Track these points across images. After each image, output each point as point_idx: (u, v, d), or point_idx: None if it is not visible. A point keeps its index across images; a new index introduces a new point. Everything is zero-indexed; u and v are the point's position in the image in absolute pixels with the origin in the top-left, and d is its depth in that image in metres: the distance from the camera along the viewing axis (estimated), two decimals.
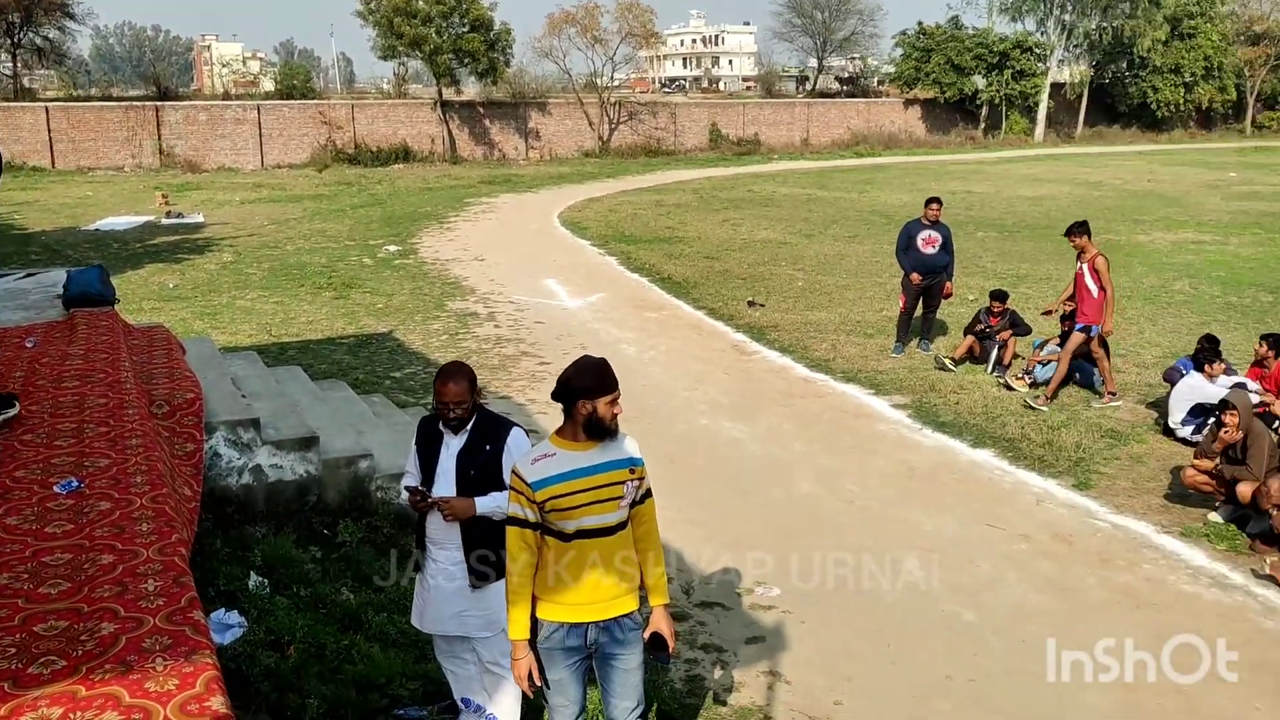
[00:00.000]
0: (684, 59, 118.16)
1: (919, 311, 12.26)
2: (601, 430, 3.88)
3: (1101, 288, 9.94)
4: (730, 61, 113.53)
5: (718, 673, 5.57)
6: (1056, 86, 56.59)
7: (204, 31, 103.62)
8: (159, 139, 37.79)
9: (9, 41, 42.86)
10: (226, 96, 47.34)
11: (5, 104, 38.29)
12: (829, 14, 67.95)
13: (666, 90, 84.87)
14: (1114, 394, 10.22)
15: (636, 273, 17.58)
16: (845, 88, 67.74)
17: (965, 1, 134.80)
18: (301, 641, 5.25)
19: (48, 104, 38.67)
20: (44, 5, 42.58)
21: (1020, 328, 11.49)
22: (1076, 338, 10.08)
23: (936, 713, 5.25)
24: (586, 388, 3.84)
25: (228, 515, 6.65)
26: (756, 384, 11.10)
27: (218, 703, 3.05)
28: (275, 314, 14.13)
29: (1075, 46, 57.50)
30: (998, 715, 5.23)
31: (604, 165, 41.38)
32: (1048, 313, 11.31)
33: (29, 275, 10.41)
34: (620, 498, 3.94)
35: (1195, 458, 7.71)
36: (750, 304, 14.68)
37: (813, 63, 71.18)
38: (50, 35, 45.12)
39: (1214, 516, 7.51)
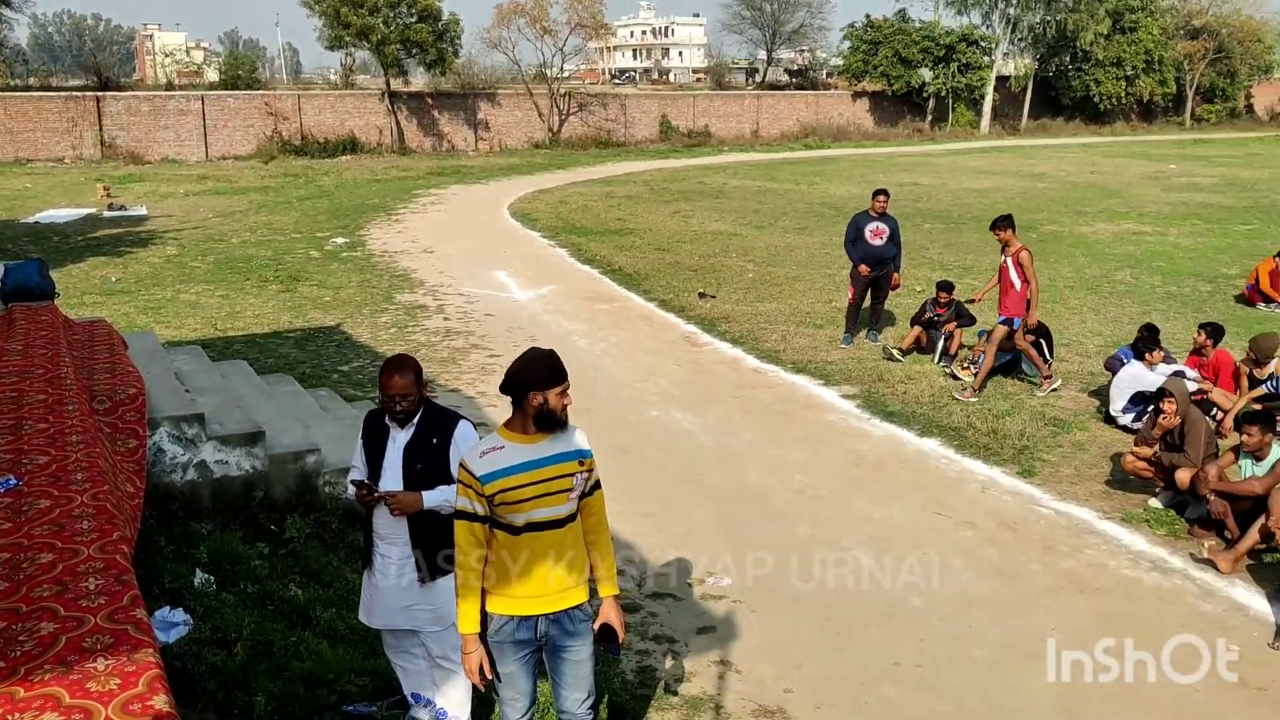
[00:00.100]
0: (634, 50, 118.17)
1: (867, 302, 12.38)
2: (553, 422, 3.87)
3: (1025, 280, 10.05)
4: (680, 53, 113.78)
5: (669, 663, 5.59)
6: (1001, 79, 57.34)
7: (146, 20, 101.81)
8: (100, 130, 37.08)
9: None
10: (170, 87, 46.51)
11: None
12: (778, 6, 68.36)
13: (617, 82, 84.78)
14: (1049, 378, 10.33)
15: (587, 264, 17.56)
16: (794, 80, 68.11)
17: None
18: (248, 639, 5.21)
19: None
20: None
21: (966, 318, 11.64)
22: (1000, 330, 10.21)
23: (884, 698, 5.31)
24: (536, 379, 3.83)
25: (172, 512, 6.56)
26: (707, 375, 11.15)
27: (161, 701, 3.01)
28: (220, 308, 13.94)
29: (1020, 40, 58.33)
30: (943, 699, 5.31)
31: (554, 157, 41.27)
32: (971, 301, 11.53)
33: None
34: (570, 490, 3.94)
35: (1135, 445, 7.87)
36: (701, 296, 14.73)
37: (762, 55, 71.52)
38: None
39: (1154, 502, 7.67)
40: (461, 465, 3.89)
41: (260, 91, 43.29)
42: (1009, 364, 10.85)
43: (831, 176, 33.28)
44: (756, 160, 40.89)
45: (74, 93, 39.57)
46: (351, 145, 40.48)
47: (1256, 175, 33.80)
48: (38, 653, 3.27)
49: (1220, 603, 6.31)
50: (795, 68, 73.53)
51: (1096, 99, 57.61)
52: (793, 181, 31.70)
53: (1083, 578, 6.63)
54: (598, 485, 4.07)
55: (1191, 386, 8.99)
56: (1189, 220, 23.19)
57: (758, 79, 69.05)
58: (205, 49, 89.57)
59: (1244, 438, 7.08)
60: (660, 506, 7.65)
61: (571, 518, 3.98)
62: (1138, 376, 9.29)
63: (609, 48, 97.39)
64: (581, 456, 3.97)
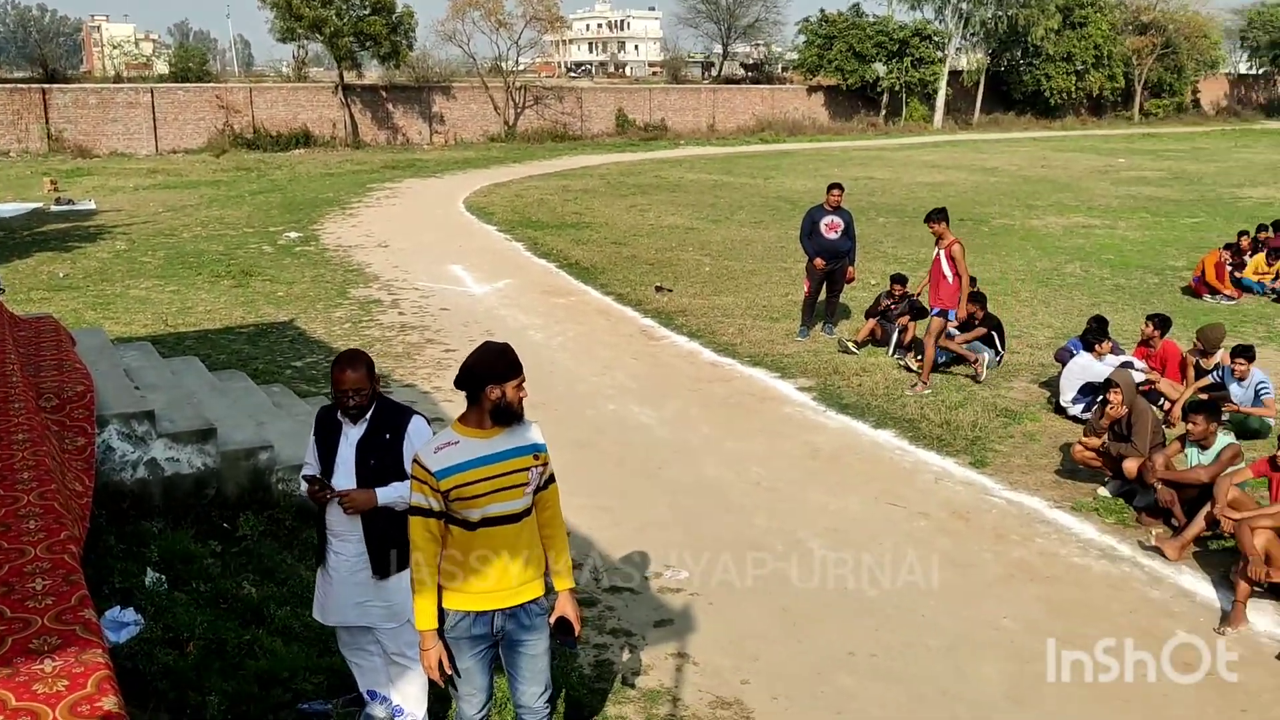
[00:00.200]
0: (590, 44, 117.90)
1: (823, 296, 12.46)
2: (510, 415, 3.86)
3: (957, 274, 10.12)
4: (636, 47, 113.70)
5: (626, 656, 5.61)
6: (954, 74, 57.90)
7: (93, 11, 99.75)
8: (46, 123, 36.36)
9: None
10: (118, 79, 45.62)
11: None
12: (733, 0, 68.41)
13: (572, 75, 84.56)
14: (927, 383, 10.28)
15: (544, 258, 17.52)
16: (750, 74, 68.29)
17: None
18: (201, 638, 5.15)
19: None
20: None
21: (919, 311, 11.75)
22: (936, 322, 10.29)
23: (839, 688, 5.36)
24: (493, 373, 3.82)
25: (122, 511, 6.47)
26: (664, 369, 11.17)
27: (110, 703, 2.98)
28: (171, 303, 13.75)
29: (972, 35, 58.91)
30: (898, 686, 5.37)
31: (510, 150, 41.10)
32: (912, 296, 11.66)
33: None
34: (525, 484, 3.94)
35: (1084, 435, 7.99)
36: (658, 289, 14.75)
37: (718, 49, 71.62)
38: None
39: (1103, 491, 7.80)
40: (416, 461, 3.87)
41: (211, 84, 42.67)
42: (960, 356, 10.97)
43: (787, 170, 33.44)
44: (713, 154, 40.98)
45: (19, 85, 38.71)
46: (304, 139, 40.05)
47: (1203, 169, 34.41)
48: None
49: (1167, 589, 6.43)
50: (751, 62, 73.72)
51: (1047, 93, 58.35)
52: (749, 175, 31.82)
53: (1034, 566, 6.74)
54: (552, 479, 4.08)
55: (1139, 377, 9.16)
56: (1137, 213, 23.57)
57: (713, 73, 69.14)
58: (154, 41, 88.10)
59: (1189, 427, 7.21)
60: (617, 500, 7.66)
61: (527, 512, 3.97)
62: (1086, 367, 9.43)
63: (564, 41, 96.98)
64: (536, 451, 3.96)
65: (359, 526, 4.43)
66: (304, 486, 4.52)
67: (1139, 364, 9.71)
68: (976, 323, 11.03)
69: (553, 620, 4.12)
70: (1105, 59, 59.40)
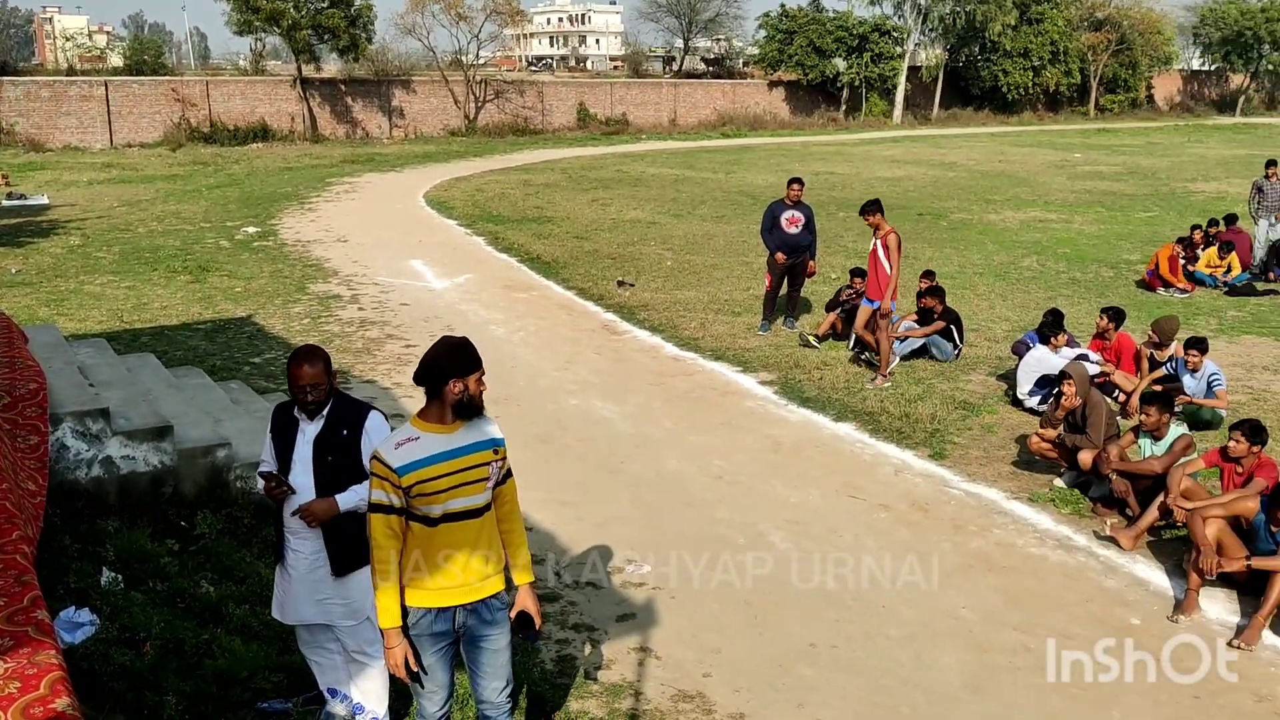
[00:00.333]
0: (550, 37, 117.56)
1: (784, 290, 12.52)
2: (473, 409, 3.86)
3: (892, 264, 10.18)
4: (597, 41, 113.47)
5: (588, 651, 5.61)
6: (913, 70, 58.25)
7: (45, 3, 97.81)
8: None
9: None
10: (71, 72, 44.84)
11: None
12: None
13: (533, 69, 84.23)
14: (887, 376, 10.30)
15: (505, 253, 17.46)
16: (711, 69, 68.37)
17: None
18: (158, 638, 5.11)
19: None
20: None
21: None
22: (865, 311, 10.33)
23: (800, 679, 5.40)
24: (454, 367, 3.81)
25: (77, 509, 6.39)
26: (626, 363, 11.17)
27: (63, 704, 2.94)
28: (127, 299, 13.57)
29: (930, 30, 59.27)
30: (859, 677, 5.42)
31: (470, 144, 40.89)
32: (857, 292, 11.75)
33: None
34: (486, 479, 3.94)
35: (1040, 427, 8.08)
36: (620, 284, 14.75)
37: (679, 43, 71.57)
38: None
39: (1059, 482, 7.90)
40: (375, 458, 3.85)
41: (167, 77, 42.02)
42: (920, 348, 11.09)
43: (748, 165, 33.53)
44: (674, 149, 41.01)
45: None
46: (262, 133, 39.60)
47: (1157, 163, 34.90)
48: None
49: (1122, 578, 6.53)
50: (712, 56, 73.79)
51: (1005, 89, 58.88)
52: (710, 170, 31.87)
53: (991, 556, 6.82)
54: (509, 474, 4.08)
55: (1094, 369, 9.28)
56: (1093, 208, 23.87)
57: (675, 67, 69.16)
58: (109, 33, 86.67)
59: (1142, 418, 7.33)
60: (579, 495, 7.66)
61: (487, 507, 3.98)
62: (1043, 360, 9.54)
63: (525, 35, 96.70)
64: (496, 445, 3.96)
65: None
66: (261, 484, 4.48)
67: (1094, 356, 9.83)
68: (935, 316, 11.13)
69: (514, 615, 4.12)
70: (1061, 55, 60.04)
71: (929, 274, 11.90)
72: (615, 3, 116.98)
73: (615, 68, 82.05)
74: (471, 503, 3.90)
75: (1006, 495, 7.78)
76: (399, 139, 42.72)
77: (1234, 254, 15.26)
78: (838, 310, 11.88)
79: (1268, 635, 5.79)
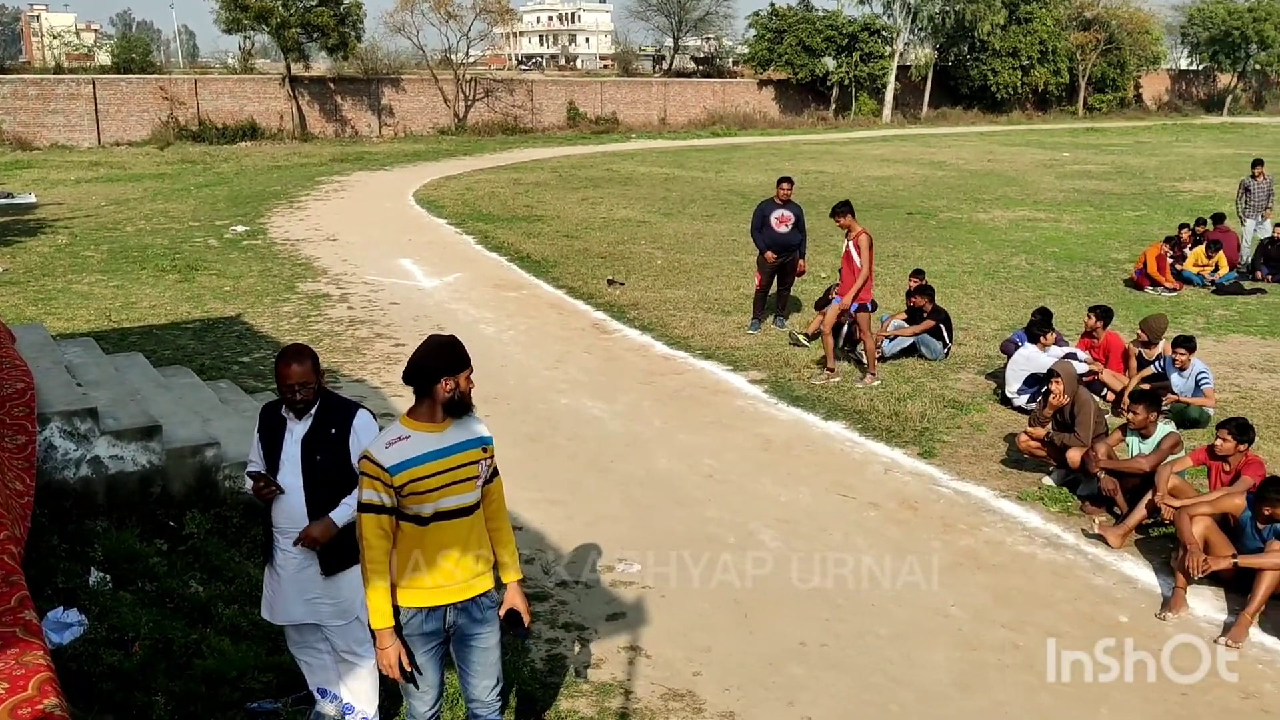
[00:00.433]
0: (540, 36, 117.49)
1: (774, 289, 12.53)
2: (464, 407, 3.87)
3: (864, 265, 10.16)
4: (587, 39, 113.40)
5: (578, 650, 5.61)
6: (903, 69, 58.35)
7: (32, 1, 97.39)
8: None
9: None
10: (58, 70, 44.69)
11: None
12: None
13: (523, 68, 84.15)
14: (874, 374, 10.35)
15: (495, 252, 17.44)
16: (701, 68, 68.39)
17: None
18: (147, 638, 5.09)
19: None
20: None
21: (869, 303, 11.83)
22: (862, 316, 10.33)
23: (790, 677, 5.41)
24: (445, 365, 3.82)
25: (65, 510, 6.37)
26: (617, 362, 11.17)
27: (51, 704, 2.93)
28: (115, 298, 13.52)
29: (920, 30, 59.37)
30: (848, 675, 5.43)
31: (460, 143, 40.82)
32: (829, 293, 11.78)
33: None
34: (476, 477, 3.95)
35: (1029, 425, 8.10)
36: (610, 282, 14.75)
37: (669, 42, 71.62)
38: None
39: (1048, 481, 7.92)
40: (366, 457, 3.84)
41: (155, 75, 41.91)
42: (910, 347, 11.11)
43: (738, 164, 33.55)
44: (664, 147, 41.00)
45: None
46: (251, 131, 39.49)
47: (1145, 163, 35.03)
48: None
49: (1110, 576, 6.56)
50: (702, 55, 73.80)
51: (994, 88, 59.02)
52: (700, 169, 31.89)
53: (980, 555, 6.84)
54: (496, 472, 4.09)
55: (1082, 368, 9.31)
56: (1081, 207, 23.94)
57: (665, 66, 69.18)
58: (96, 31, 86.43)
59: (1130, 416, 7.36)
60: (569, 494, 7.66)
61: (477, 505, 3.99)
62: (1031, 358, 9.57)
63: (515, 33, 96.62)
64: (484, 443, 3.98)
65: (307, 523, 4.38)
66: (250, 484, 4.47)
67: (1082, 355, 9.87)
68: (925, 315, 11.16)
69: (502, 613, 4.13)
70: (1050, 54, 60.21)
71: (918, 273, 11.93)
72: (605, 1, 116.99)
73: (605, 67, 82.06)
74: (462, 501, 3.91)
75: (995, 493, 7.80)
76: (388, 137, 42.65)
77: (1221, 253, 15.33)
78: (827, 309, 11.89)
79: (1255, 632, 5.83)
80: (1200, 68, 75.52)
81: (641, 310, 13.26)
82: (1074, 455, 7.51)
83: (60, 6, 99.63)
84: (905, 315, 11.44)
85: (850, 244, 10.17)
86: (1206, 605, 6.18)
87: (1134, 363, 10.00)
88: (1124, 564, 6.71)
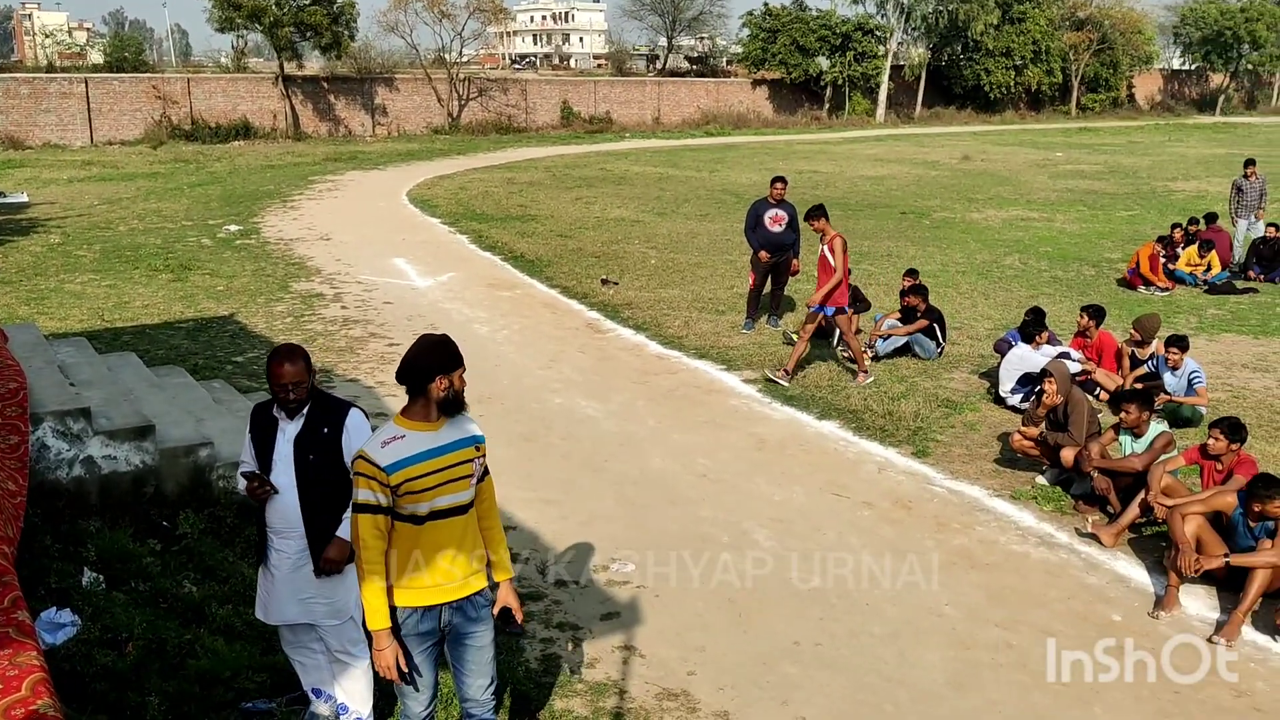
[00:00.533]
0: (534, 35, 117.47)
1: (768, 288, 12.54)
2: (458, 405, 3.89)
3: (835, 268, 10.16)
4: (581, 39, 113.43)
5: (572, 650, 5.61)
6: (896, 68, 58.41)
7: None
8: None
9: None
10: (51, 69, 44.53)
11: None
12: None
13: (517, 67, 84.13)
14: (865, 372, 10.39)
15: (488, 251, 17.42)
16: (695, 67, 68.39)
17: None
18: (140, 638, 5.08)
19: None
20: None
21: (861, 303, 11.87)
22: (842, 319, 10.33)
23: (784, 677, 5.42)
24: (439, 364, 3.83)
25: (58, 510, 6.36)
26: (610, 362, 11.17)
27: (45, 705, 2.93)
28: (108, 298, 13.49)
29: (913, 29, 59.43)
30: (842, 675, 5.44)
31: (454, 142, 40.79)
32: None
33: None
34: (470, 476, 3.96)
35: (1022, 425, 8.13)
36: (604, 282, 14.74)
37: (662, 41, 71.59)
38: None
39: (1041, 480, 7.94)
40: (361, 457, 3.84)
41: (148, 74, 41.80)
42: (903, 347, 11.13)
43: (732, 164, 33.56)
44: (658, 147, 41.01)
45: None
46: (244, 130, 39.41)
47: (1138, 162, 35.10)
48: None
49: (1104, 575, 6.57)
50: (695, 55, 73.83)
51: (987, 88, 59.11)
52: (694, 168, 31.89)
53: (974, 554, 6.85)
54: (487, 471, 4.11)
55: (1075, 367, 9.33)
56: (1074, 206, 23.99)
57: (659, 66, 69.16)
58: (89, 30, 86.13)
59: (1122, 415, 7.37)
60: (563, 494, 7.65)
61: (471, 504, 4.00)
62: (1025, 358, 9.59)
63: (509, 33, 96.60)
64: (477, 442, 3.99)
65: (300, 523, 4.38)
66: (243, 484, 4.47)
67: (1075, 354, 9.89)
68: (918, 315, 11.17)
69: (495, 611, 4.14)
70: (1043, 54, 60.30)
71: (912, 272, 11.95)
72: (599, 1, 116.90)
73: (599, 66, 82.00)
74: (457, 499, 3.92)
75: (989, 493, 7.81)
76: (382, 137, 42.60)
77: (1214, 252, 15.37)
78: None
79: (1247, 631, 5.85)
80: (1193, 68, 75.67)
81: (635, 310, 13.26)
82: (1067, 454, 7.53)
83: (53, 5, 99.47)
84: (899, 315, 11.46)
85: (825, 248, 10.18)
86: (1199, 604, 6.20)
87: (1127, 362, 10.03)
88: (1117, 563, 6.73)
